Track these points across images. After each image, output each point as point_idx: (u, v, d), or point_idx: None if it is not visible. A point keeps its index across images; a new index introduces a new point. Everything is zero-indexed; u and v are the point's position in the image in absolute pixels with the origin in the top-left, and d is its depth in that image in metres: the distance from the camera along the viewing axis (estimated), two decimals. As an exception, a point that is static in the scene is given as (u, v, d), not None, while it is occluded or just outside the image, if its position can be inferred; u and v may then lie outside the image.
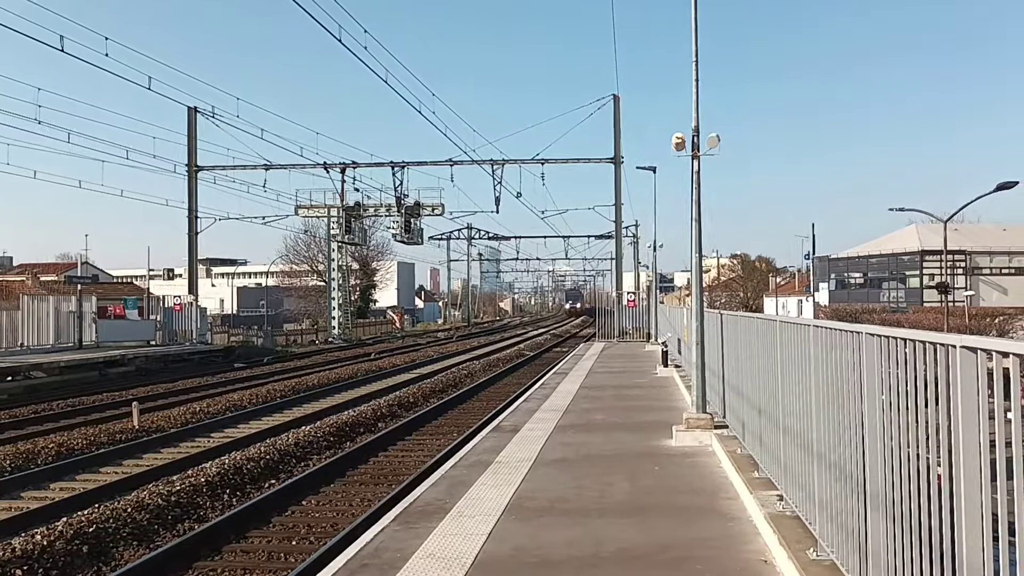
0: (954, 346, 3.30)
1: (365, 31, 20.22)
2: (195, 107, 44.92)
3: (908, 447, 3.88)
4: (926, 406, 3.70)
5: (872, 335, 4.39)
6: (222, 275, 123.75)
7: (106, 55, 22.00)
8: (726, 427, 11.04)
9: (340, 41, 17.50)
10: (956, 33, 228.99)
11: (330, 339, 56.08)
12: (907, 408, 3.92)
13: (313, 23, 15.24)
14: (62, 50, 19.72)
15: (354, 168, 47.62)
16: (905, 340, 3.91)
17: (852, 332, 4.76)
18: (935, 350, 3.53)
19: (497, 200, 46.98)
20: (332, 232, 54.25)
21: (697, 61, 11.68)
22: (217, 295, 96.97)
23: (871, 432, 4.40)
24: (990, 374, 3.19)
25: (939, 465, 3.52)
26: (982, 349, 3.18)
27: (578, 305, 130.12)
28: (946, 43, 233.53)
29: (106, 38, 21.20)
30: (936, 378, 3.53)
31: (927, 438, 3.67)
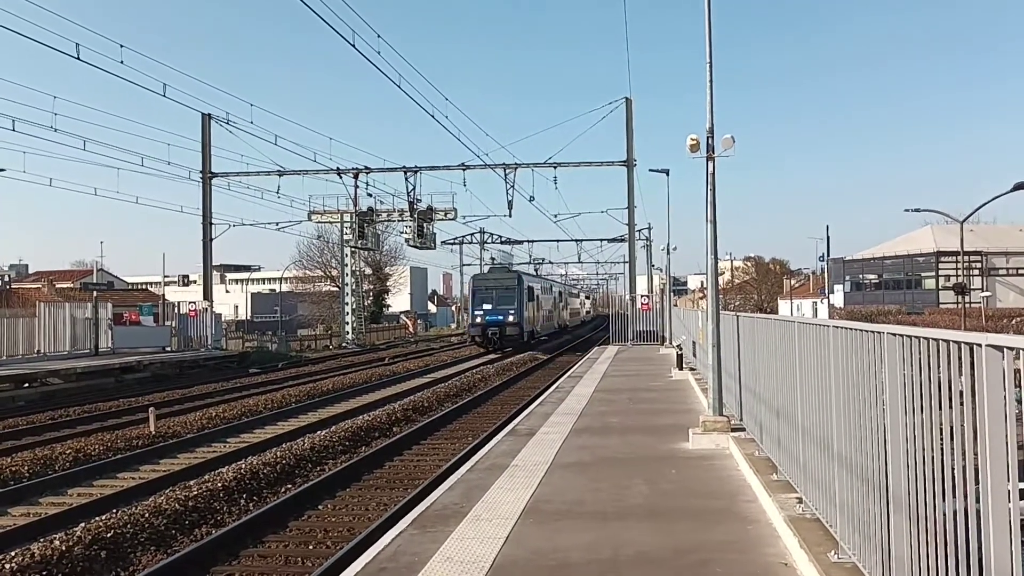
0: (980, 345, 3.25)
1: (378, 36, 20.30)
2: (209, 114, 45.14)
3: (931, 448, 3.84)
4: (950, 407, 3.65)
5: (894, 335, 4.35)
6: (236, 281, 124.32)
7: (121, 62, 22.12)
8: (743, 430, 10.98)
9: (354, 46, 17.58)
10: (971, 33, 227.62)
11: (344, 344, 56.18)
12: (930, 408, 3.87)
13: (327, 28, 15.29)
14: (78, 58, 19.84)
15: (367, 173, 47.66)
16: (928, 340, 3.86)
17: (873, 332, 4.71)
18: (959, 349, 3.49)
19: (510, 204, 46.93)
20: (345, 237, 54.41)
21: (711, 63, 11.65)
22: (231, 301, 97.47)
23: (893, 433, 4.35)
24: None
25: (963, 466, 3.48)
26: (1008, 348, 3.14)
27: (510, 318, 44.25)
28: (961, 43, 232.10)
29: (121, 46, 21.33)
30: (961, 378, 3.49)
31: (951, 438, 3.63)
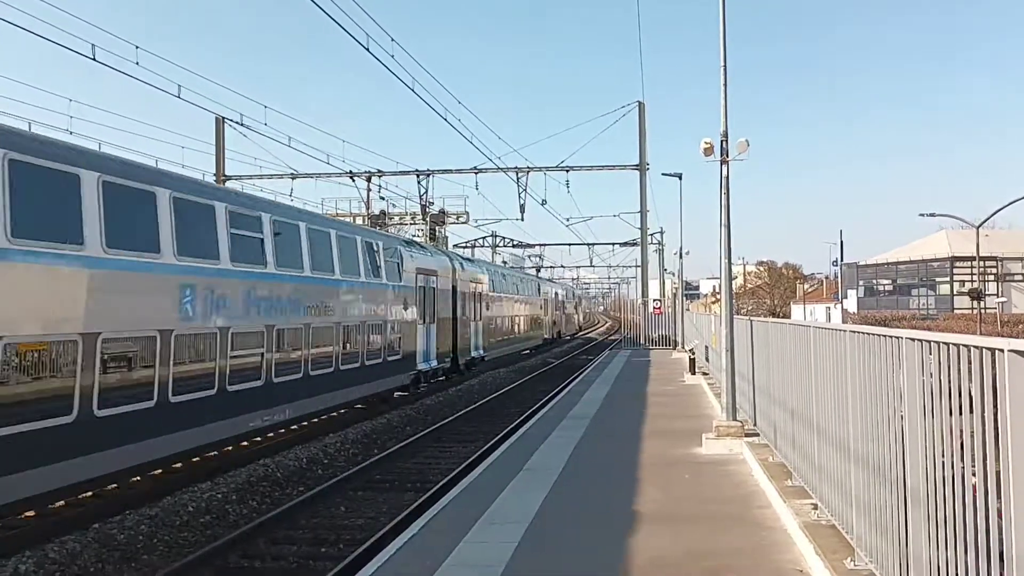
0: (1002, 350, 3.23)
1: (392, 40, 20.23)
2: (223, 116, 45.32)
3: (953, 453, 3.81)
4: (971, 411, 3.62)
5: (913, 340, 4.32)
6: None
7: (136, 63, 22.15)
8: (757, 435, 10.94)
9: (367, 50, 17.54)
10: (988, 38, 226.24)
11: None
12: (950, 412, 3.85)
13: (342, 32, 15.33)
14: (94, 58, 19.87)
15: (380, 176, 47.70)
16: (949, 345, 3.83)
17: (892, 338, 4.68)
18: (981, 354, 3.46)
19: (522, 207, 46.83)
20: (358, 240, 54.36)
21: (725, 67, 11.63)
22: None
23: (913, 438, 4.32)
24: None
25: (983, 471, 3.44)
26: (1031, 353, 3.11)
27: None
28: (975, 48, 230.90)
29: (136, 47, 21.35)
30: (982, 382, 3.46)
31: (973, 442, 3.60)
